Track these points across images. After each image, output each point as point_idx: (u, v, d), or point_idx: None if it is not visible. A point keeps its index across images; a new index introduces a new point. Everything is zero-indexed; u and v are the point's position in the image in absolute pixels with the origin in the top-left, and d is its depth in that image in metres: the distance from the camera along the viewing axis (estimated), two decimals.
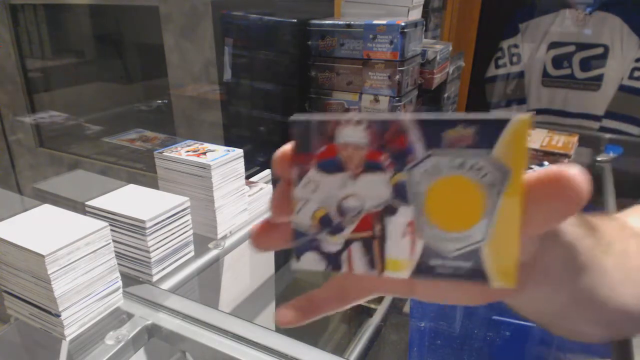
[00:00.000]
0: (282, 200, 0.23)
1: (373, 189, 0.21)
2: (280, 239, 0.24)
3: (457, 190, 0.19)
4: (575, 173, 0.18)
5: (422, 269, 0.20)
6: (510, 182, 0.19)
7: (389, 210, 0.21)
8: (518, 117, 0.18)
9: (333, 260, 0.22)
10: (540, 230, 0.21)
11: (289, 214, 0.22)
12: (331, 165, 0.21)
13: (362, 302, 0.28)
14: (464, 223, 0.20)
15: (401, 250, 0.21)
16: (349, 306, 0.28)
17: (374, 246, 0.21)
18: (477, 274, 0.20)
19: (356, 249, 0.21)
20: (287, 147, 0.22)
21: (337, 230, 0.22)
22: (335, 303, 0.28)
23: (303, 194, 0.22)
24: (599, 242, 0.29)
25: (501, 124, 0.18)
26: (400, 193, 0.20)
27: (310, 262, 0.22)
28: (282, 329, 0.55)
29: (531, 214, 0.19)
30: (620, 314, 0.33)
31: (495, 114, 0.18)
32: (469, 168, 0.19)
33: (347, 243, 0.22)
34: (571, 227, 0.25)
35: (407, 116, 0.20)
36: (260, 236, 0.24)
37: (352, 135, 0.21)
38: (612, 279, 0.30)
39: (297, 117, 0.21)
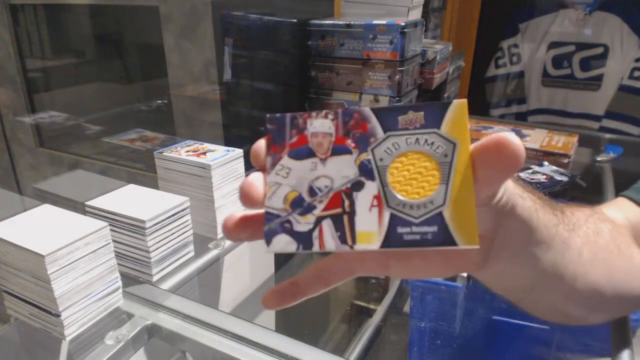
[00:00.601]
0: (252, 186, 0.24)
1: (341, 169, 0.23)
2: (252, 230, 0.25)
3: (416, 162, 0.22)
4: (512, 136, 0.21)
5: (392, 238, 0.22)
6: (459, 151, 0.22)
7: (357, 186, 0.23)
8: (457, 100, 0.22)
9: (304, 240, 0.23)
10: (490, 189, 0.24)
11: (258, 201, 0.24)
12: (302, 152, 0.23)
13: (342, 283, 0.29)
14: (425, 190, 0.22)
15: (370, 222, 0.22)
16: (330, 288, 0.29)
17: (344, 221, 0.23)
18: (443, 238, 0.22)
19: (327, 226, 0.23)
20: (263, 140, 0.24)
21: (308, 210, 0.23)
22: (317, 286, 0.29)
23: (276, 179, 0.24)
24: (563, 221, 0.30)
25: (444, 106, 0.22)
26: (366, 170, 0.23)
27: (281, 244, 0.23)
28: (282, 329, 0.55)
29: (480, 175, 0.22)
30: (591, 292, 0.34)
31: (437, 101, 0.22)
32: (423, 143, 0.22)
33: (318, 221, 0.23)
34: (524, 202, 0.27)
35: (366, 107, 0.23)
36: (234, 227, 0.26)
37: (321, 125, 0.23)
38: (580, 257, 0.32)
39: (272, 114, 0.24)
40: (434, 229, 0.21)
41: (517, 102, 2.10)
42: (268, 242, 0.23)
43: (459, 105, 0.22)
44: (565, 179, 0.96)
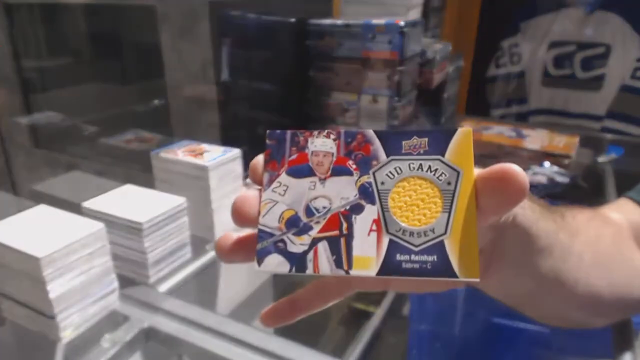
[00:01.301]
0: (245, 203, 0.23)
1: (341, 190, 0.22)
2: (247, 252, 0.24)
3: (418, 188, 0.22)
4: (517, 168, 0.21)
5: (389, 266, 0.21)
6: (463, 180, 0.21)
7: (356, 209, 0.22)
8: (463, 129, 0.22)
9: (298, 262, 0.22)
10: (492, 219, 0.23)
11: (251, 219, 0.23)
12: (301, 171, 0.23)
13: (342, 298, 0.29)
14: (426, 217, 0.21)
15: (368, 246, 0.22)
16: (329, 304, 0.29)
17: (340, 244, 0.22)
18: (443, 268, 0.21)
19: (322, 248, 0.22)
20: (262, 155, 0.23)
21: (304, 230, 0.22)
22: (316, 303, 0.28)
23: (272, 196, 0.23)
24: (564, 227, 0.30)
25: (449, 133, 0.22)
26: (366, 193, 0.22)
27: (273, 264, 0.22)
28: (281, 331, 0.55)
29: (483, 205, 0.21)
30: (592, 297, 0.34)
31: (442, 127, 0.21)
32: (426, 169, 0.22)
33: (313, 243, 0.22)
34: (523, 211, 0.26)
35: (370, 129, 0.23)
36: (230, 249, 0.24)
37: (323, 144, 0.23)
38: (581, 262, 0.31)
39: (271, 130, 0.23)
40: (433, 258, 0.21)
41: (517, 102, 2.09)
42: (259, 262, 0.22)
43: (464, 133, 0.22)
44: (566, 179, 0.95)
